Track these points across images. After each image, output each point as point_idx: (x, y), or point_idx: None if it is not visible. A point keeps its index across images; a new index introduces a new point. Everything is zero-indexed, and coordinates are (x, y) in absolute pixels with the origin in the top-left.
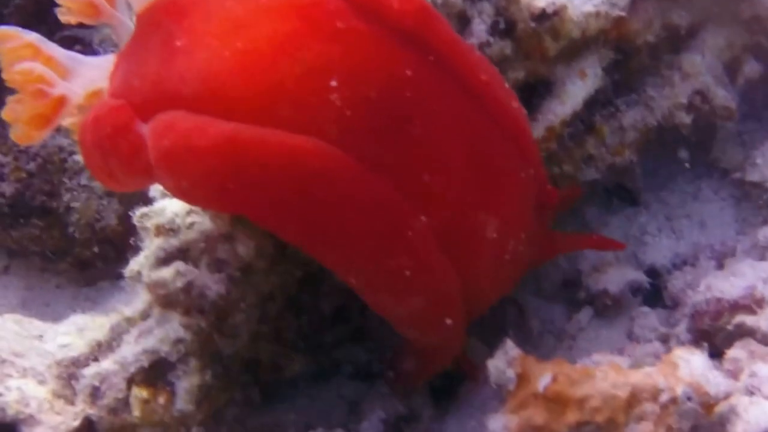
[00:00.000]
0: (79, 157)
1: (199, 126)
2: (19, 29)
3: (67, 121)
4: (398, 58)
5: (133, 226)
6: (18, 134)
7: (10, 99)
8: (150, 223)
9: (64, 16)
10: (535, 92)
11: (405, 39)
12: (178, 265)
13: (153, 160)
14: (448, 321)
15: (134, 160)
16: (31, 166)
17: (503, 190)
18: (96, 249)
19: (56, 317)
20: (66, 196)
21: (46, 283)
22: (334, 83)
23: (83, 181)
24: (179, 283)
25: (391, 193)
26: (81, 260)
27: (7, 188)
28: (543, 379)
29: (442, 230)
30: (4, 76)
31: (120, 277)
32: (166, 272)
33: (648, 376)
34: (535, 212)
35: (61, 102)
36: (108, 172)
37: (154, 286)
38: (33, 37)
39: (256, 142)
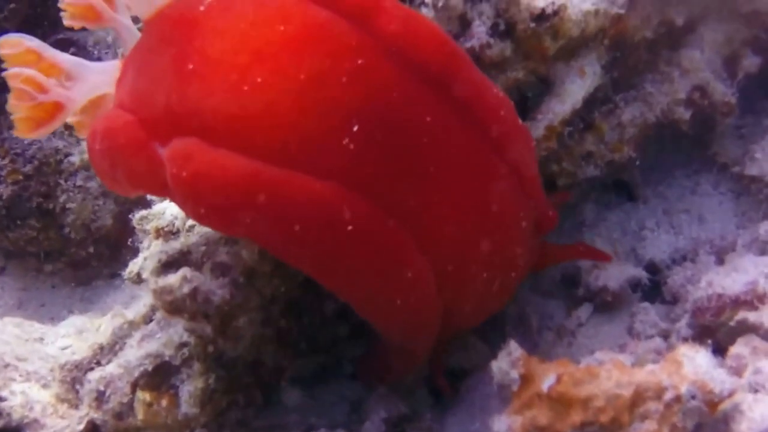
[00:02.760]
0: (74, 159)
1: (219, 162)
2: (22, 36)
3: (70, 119)
4: (420, 102)
5: (129, 226)
6: (16, 129)
7: (9, 95)
8: (150, 226)
9: (68, 21)
10: (535, 91)
11: (429, 81)
12: (185, 271)
13: (170, 186)
14: (421, 336)
15: (150, 179)
16: (28, 168)
17: (503, 227)
18: (91, 249)
19: (52, 317)
20: (62, 197)
21: (42, 284)
22: (355, 128)
23: (79, 182)
24: (185, 289)
25: (398, 236)
26: (76, 260)
27: (4, 190)
28: (547, 379)
29: (439, 266)
30: (4, 74)
31: (115, 276)
32: (173, 278)
33: (652, 374)
34: (532, 238)
35: (56, 108)
36: (114, 178)
37: (160, 293)
38: (35, 43)
39: (277, 185)
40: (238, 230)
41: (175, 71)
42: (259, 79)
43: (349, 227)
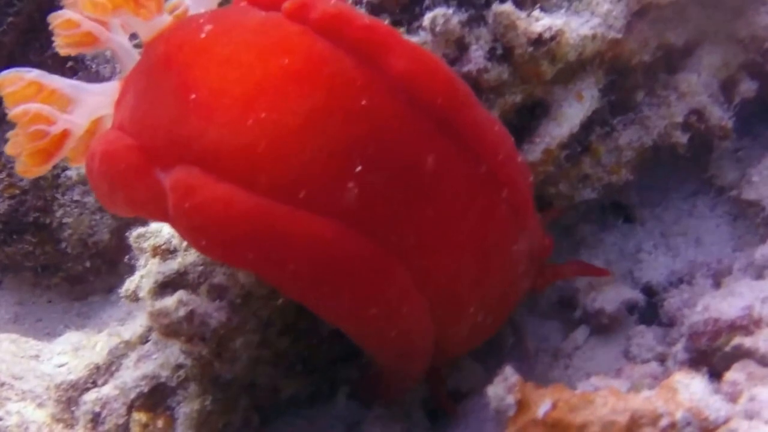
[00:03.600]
0: (71, 173)
1: (222, 196)
2: (20, 70)
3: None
4: (423, 141)
5: (126, 242)
6: (21, 168)
7: (10, 134)
8: (147, 244)
9: (63, 50)
10: (533, 114)
11: (433, 119)
12: (181, 294)
13: (171, 215)
14: (414, 362)
15: (150, 206)
16: (25, 182)
17: (500, 260)
18: (88, 264)
19: (49, 332)
20: (59, 212)
21: (39, 298)
22: (358, 168)
23: (76, 196)
24: (182, 312)
25: (397, 274)
26: (73, 275)
27: (0, 205)
28: (543, 405)
29: (435, 299)
30: (9, 116)
31: (112, 291)
32: (169, 301)
33: (647, 400)
34: (528, 266)
35: (64, 136)
36: (112, 200)
37: (156, 316)
38: (34, 74)
39: (280, 223)
40: (238, 263)
41: (177, 99)
42: (263, 115)
43: (350, 266)
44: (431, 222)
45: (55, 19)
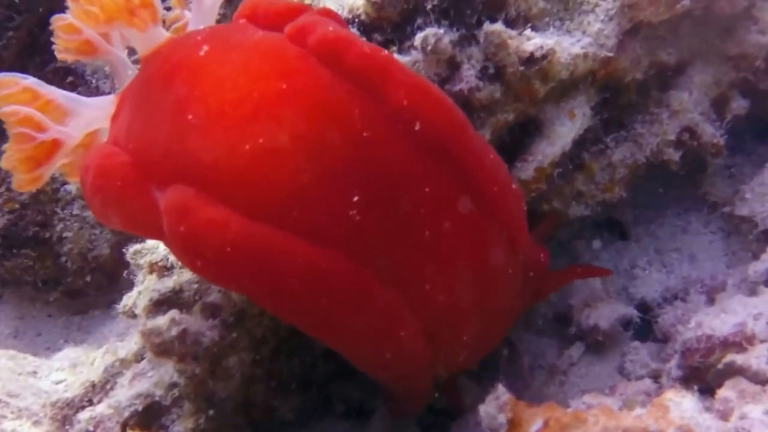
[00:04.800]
0: (71, 188)
1: (218, 221)
2: (17, 75)
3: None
4: (420, 172)
5: (126, 256)
6: (16, 182)
7: (4, 147)
8: (143, 261)
9: (62, 55)
10: (525, 132)
11: (431, 150)
12: (173, 313)
13: (167, 235)
14: (412, 382)
15: (144, 224)
16: (24, 196)
17: (494, 285)
18: (88, 278)
19: (49, 346)
20: (58, 226)
21: (39, 313)
22: (355, 198)
23: (75, 210)
24: (174, 332)
25: (393, 304)
26: (73, 289)
27: (0, 219)
28: (534, 424)
29: (431, 324)
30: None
31: (112, 305)
32: (161, 321)
33: (638, 419)
34: (525, 285)
35: (54, 145)
36: (105, 215)
37: (148, 335)
38: (30, 81)
39: (276, 251)
40: (232, 287)
41: (174, 119)
42: (260, 140)
43: (344, 296)
44: (427, 251)
45: (58, 22)
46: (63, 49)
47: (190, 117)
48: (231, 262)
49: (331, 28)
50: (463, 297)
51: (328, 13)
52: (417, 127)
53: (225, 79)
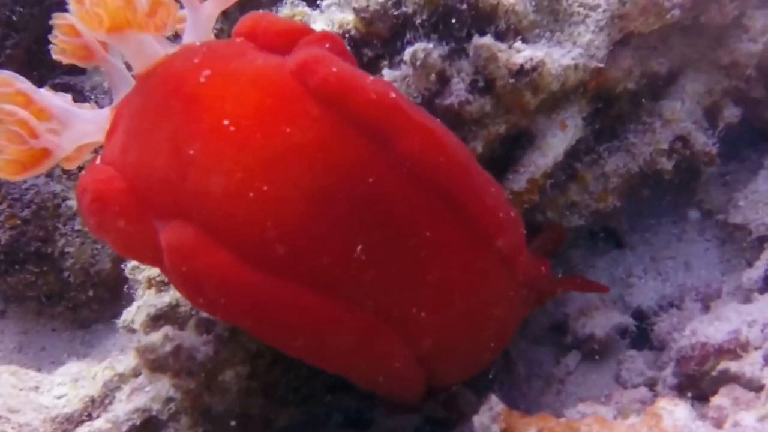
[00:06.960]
0: (72, 203)
1: (221, 267)
2: (14, 76)
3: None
4: (424, 217)
5: None
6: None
7: None
8: (141, 276)
9: (58, 55)
10: (517, 144)
11: (432, 191)
12: (167, 329)
13: (167, 269)
14: (405, 396)
15: (141, 251)
16: (26, 212)
17: (492, 309)
18: (91, 292)
19: (53, 361)
20: (60, 241)
21: (42, 327)
22: (359, 247)
23: (77, 226)
24: (168, 348)
25: (389, 341)
26: (76, 304)
27: (2, 235)
28: None
29: (427, 355)
30: None
31: (115, 319)
32: (155, 337)
33: (631, 428)
34: (523, 300)
35: (44, 154)
36: (100, 236)
37: (143, 352)
38: (26, 86)
39: (278, 301)
40: (231, 323)
41: (173, 150)
42: (264, 187)
43: (347, 341)
44: (426, 288)
45: (58, 20)
46: (59, 50)
47: (191, 152)
48: (231, 307)
49: (334, 69)
50: (461, 327)
51: (327, 38)
52: (421, 172)
53: (226, 115)
